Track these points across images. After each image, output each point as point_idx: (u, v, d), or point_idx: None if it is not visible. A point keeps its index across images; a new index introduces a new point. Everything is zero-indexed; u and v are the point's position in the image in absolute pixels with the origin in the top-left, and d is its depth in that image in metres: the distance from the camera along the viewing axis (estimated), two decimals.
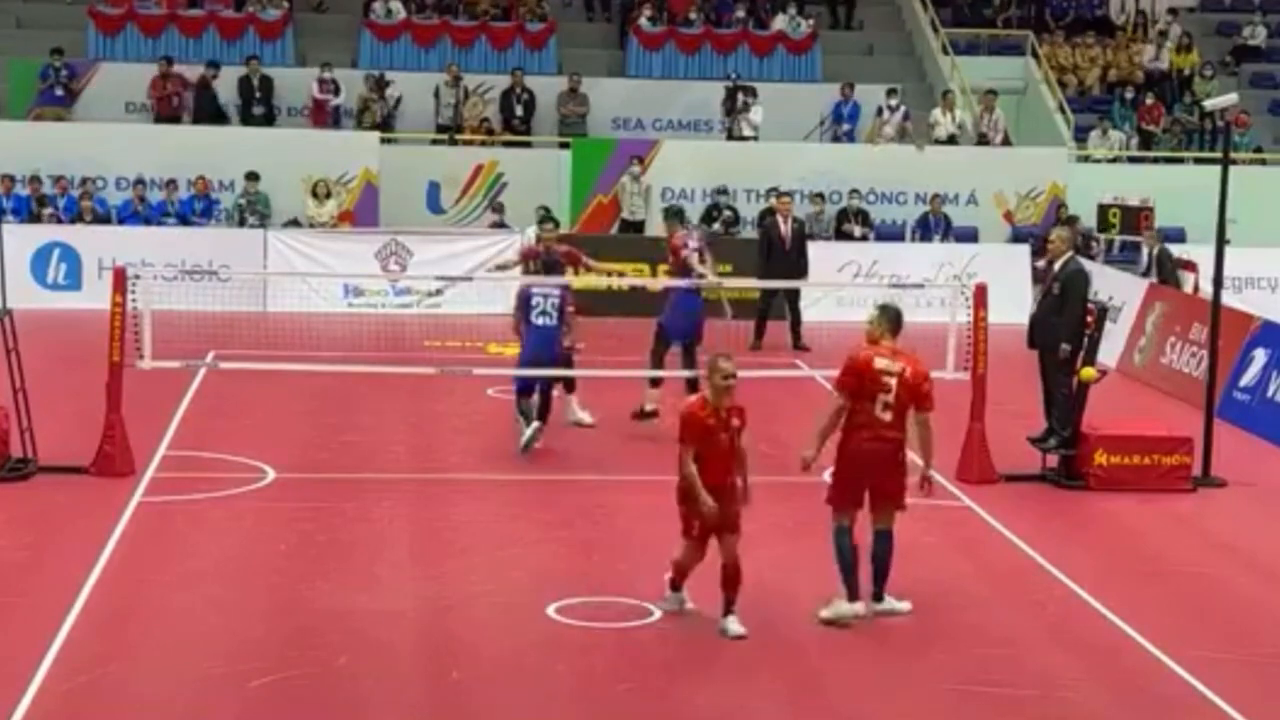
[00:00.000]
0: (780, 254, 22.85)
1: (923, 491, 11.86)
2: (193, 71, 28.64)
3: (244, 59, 28.83)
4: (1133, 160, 30.05)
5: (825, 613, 11.76)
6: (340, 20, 31.59)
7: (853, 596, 11.82)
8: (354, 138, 27.71)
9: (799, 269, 22.78)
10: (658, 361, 17.47)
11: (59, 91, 28.01)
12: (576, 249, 18.33)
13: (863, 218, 27.23)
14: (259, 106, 28.28)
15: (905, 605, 12.01)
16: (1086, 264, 17.21)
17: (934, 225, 27.17)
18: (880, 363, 11.85)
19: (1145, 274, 23.49)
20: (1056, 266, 15.91)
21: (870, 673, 10.89)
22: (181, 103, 28.10)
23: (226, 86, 28.25)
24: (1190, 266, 23.40)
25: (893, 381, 11.77)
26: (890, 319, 12.08)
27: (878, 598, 11.98)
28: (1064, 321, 15.58)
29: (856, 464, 11.83)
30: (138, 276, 15.51)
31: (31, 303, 21.21)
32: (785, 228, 23.11)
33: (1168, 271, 23.07)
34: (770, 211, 24.59)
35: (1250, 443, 17.72)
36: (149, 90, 28.08)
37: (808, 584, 12.62)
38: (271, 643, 11.03)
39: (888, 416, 11.73)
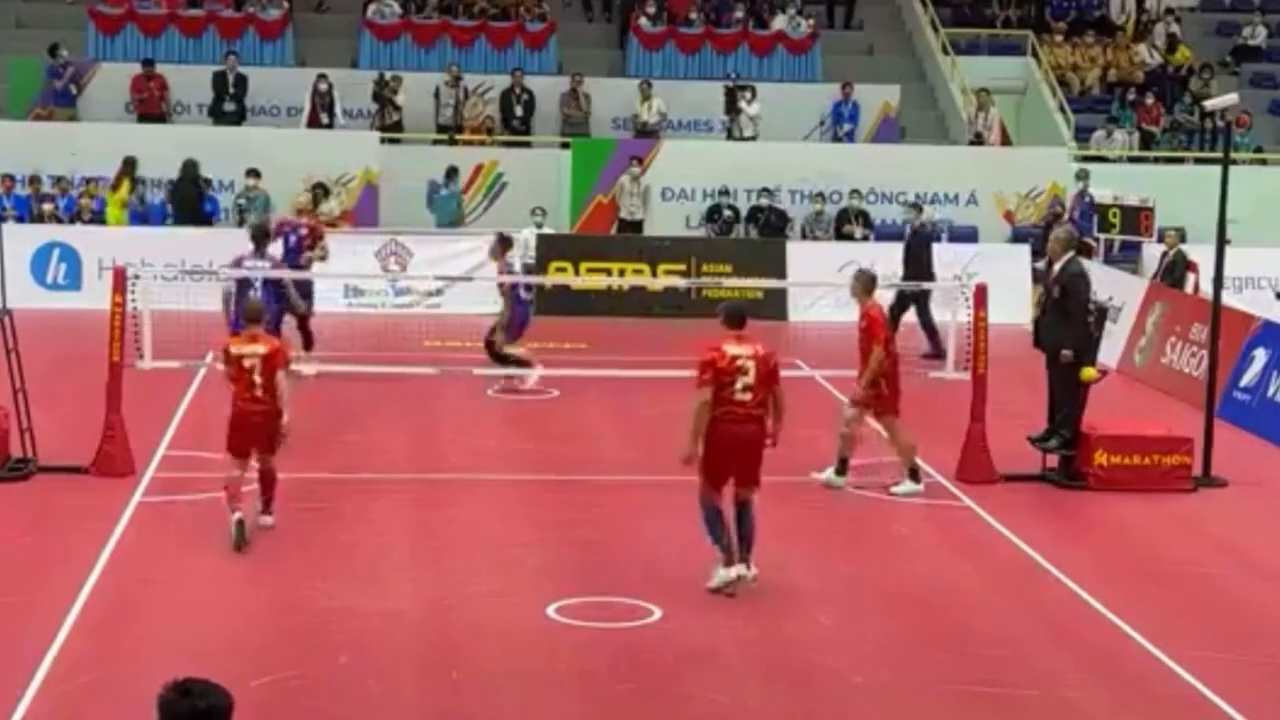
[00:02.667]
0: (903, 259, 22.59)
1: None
2: (195, 72, 28.70)
3: (222, 55, 29.05)
4: (1133, 160, 30.07)
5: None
6: (340, 20, 31.59)
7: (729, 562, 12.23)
8: (354, 138, 27.73)
9: (921, 274, 21.99)
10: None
11: (73, 89, 28.02)
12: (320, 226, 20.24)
13: (863, 218, 27.25)
14: (231, 103, 28.37)
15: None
16: (1086, 264, 17.17)
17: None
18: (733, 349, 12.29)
19: (1156, 275, 23.43)
20: (1056, 268, 15.89)
21: (870, 673, 10.88)
22: (165, 103, 28.24)
23: (200, 84, 28.42)
24: (1191, 266, 23.41)
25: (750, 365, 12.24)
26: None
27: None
28: (1068, 329, 15.52)
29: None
30: (138, 276, 15.51)
31: (31, 303, 21.18)
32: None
33: (1180, 273, 23.03)
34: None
35: (1251, 443, 17.71)
36: (130, 90, 28.12)
37: (807, 583, 12.63)
38: (271, 643, 11.03)
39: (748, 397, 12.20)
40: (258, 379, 13.10)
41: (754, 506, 12.22)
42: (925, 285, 21.26)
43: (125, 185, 25.80)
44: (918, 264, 22.26)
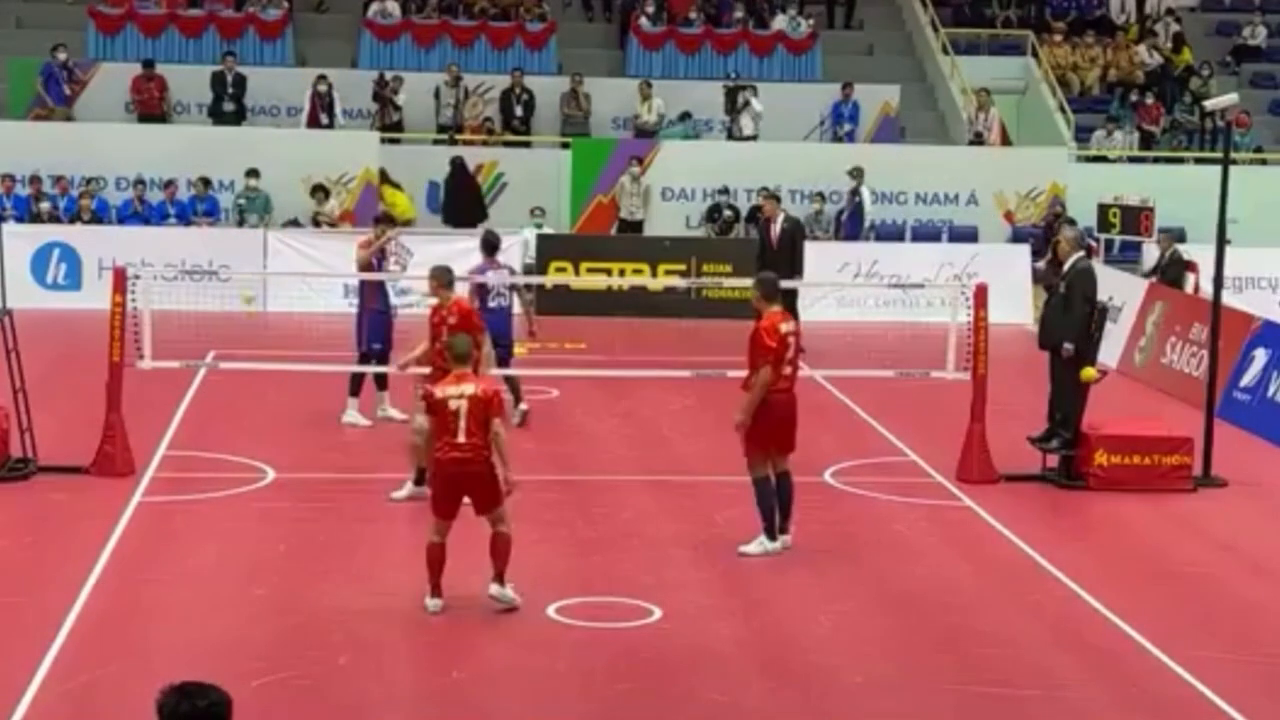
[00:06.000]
0: (771, 255, 22.47)
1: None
2: (195, 72, 28.72)
3: (220, 55, 29.09)
4: (1133, 160, 30.08)
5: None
6: (340, 20, 31.61)
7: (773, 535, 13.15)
8: (354, 138, 27.74)
9: (792, 271, 22.29)
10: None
11: (67, 91, 28.02)
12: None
13: None
14: (230, 104, 28.40)
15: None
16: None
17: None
18: (784, 326, 13.14)
19: (1151, 274, 23.44)
20: (1065, 266, 15.92)
21: (870, 672, 10.88)
22: (165, 103, 28.27)
23: (200, 84, 28.45)
24: (1191, 266, 23.39)
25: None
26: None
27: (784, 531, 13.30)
28: (1069, 323, 15.56)
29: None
30: (138, 276, 15.50)
31: (31, 303, 21.22)
32: (775, 229, 22.66)
33: (1174, 274, 23.01)
34: (758, 209, 24.63)
35: (1250, 443, 17.71)
36: (130, 90, 28.14)
37: (807, 583, 12.63)
38: (271, 643, 11.03)
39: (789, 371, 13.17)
40: (462, 423, 11.32)
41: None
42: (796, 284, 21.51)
43: (398, 192, 26.33)
44: (796, 258, 22.16)
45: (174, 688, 5.31)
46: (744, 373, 13.28)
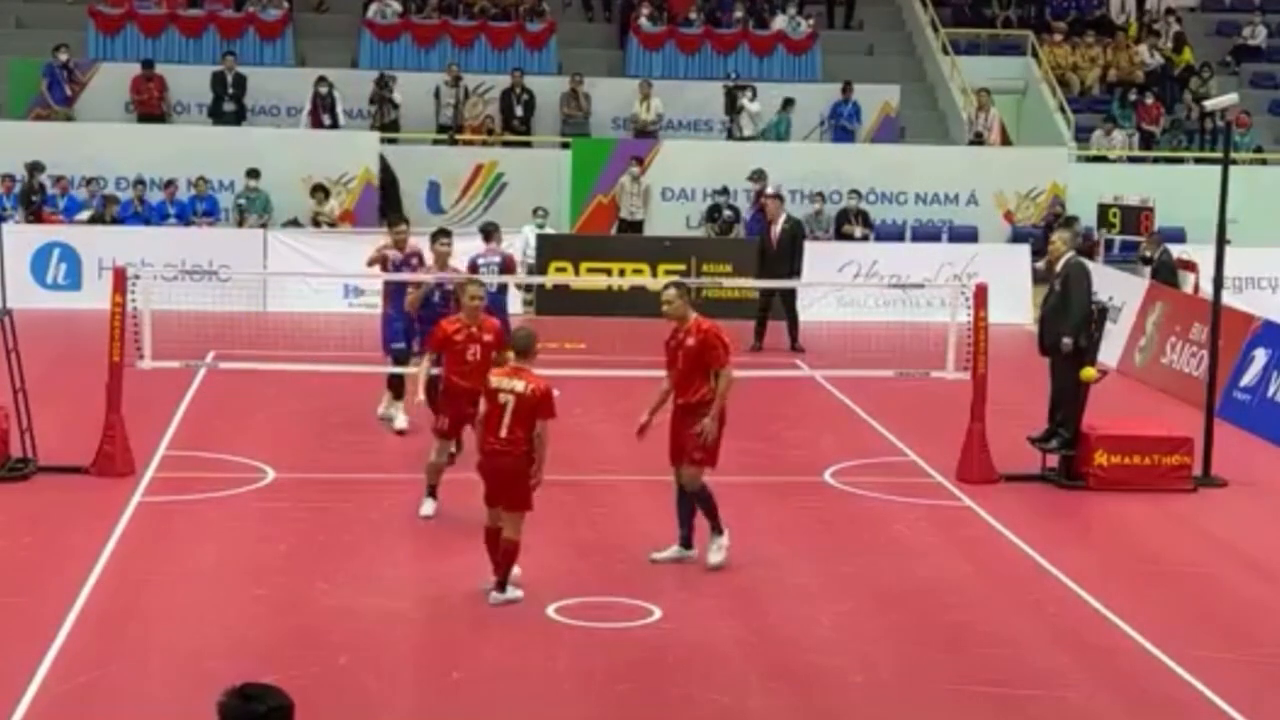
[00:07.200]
0: (771, 256, 22.57)
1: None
2: (195, 72, 28.72)
3: (220, 55, 29.12)
4: (1133, 160, 30.09)
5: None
6: (340, 20, 31.62)
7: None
8: (354, 138, 27.74)
9: (791, 271, 22.40)
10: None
11: (67, 91, 28.02)
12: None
13: (863, 218, 27.26)
14: (230, 104, 28.41)
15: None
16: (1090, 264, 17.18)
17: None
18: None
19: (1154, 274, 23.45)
20: (1059, 266, 15.93)
21: (870, 673, 10.88)
22: (165, 103, 28.29)
23: (200, 84, 28.47)
24: (1190, 266, 23.38)
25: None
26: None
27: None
28: (1068, 319, 15.56)
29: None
30: (138, 276, 15.51)
31: (31, 303, 21.20)
32: (776, 229, 22.74)
33: (1164, 276, 22.99)
34: (761, 194, 24.69)
35: (1250, 443, 17.71)
36: (129, 90, 28.15)
37: (807, 583, 12.64)
38: (271, 643, 11.03)
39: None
40: (506, 418, 11.49)
41: None
42: (795, 283, 21.83)
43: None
44: (795, 257, 22.37)
45: (235, 690, 5.31)
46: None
